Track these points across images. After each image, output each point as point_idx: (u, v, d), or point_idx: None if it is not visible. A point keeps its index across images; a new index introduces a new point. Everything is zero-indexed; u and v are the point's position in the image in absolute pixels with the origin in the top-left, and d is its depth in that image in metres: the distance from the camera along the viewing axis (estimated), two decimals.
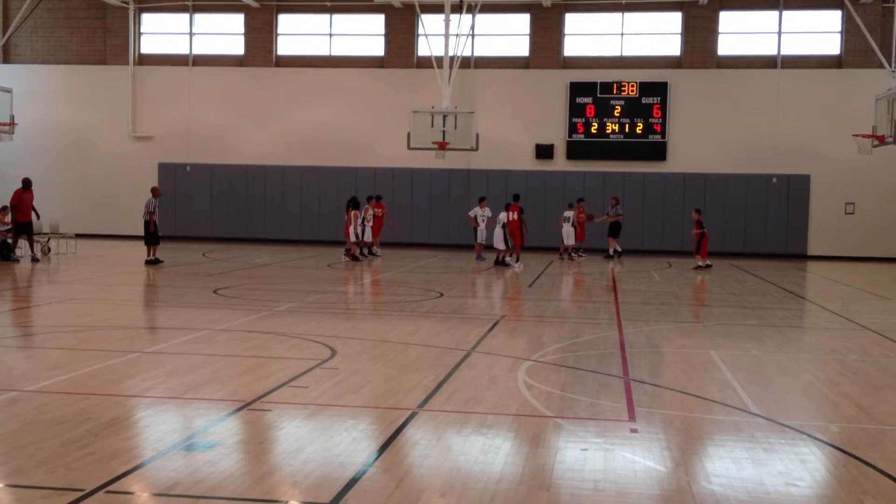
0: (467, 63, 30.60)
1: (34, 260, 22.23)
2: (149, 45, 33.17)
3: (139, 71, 32.80)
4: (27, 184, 22.55)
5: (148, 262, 21.37)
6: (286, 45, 32.59)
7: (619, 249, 27.24)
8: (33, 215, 22.39)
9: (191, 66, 32.70)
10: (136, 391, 8.00)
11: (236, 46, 32.65)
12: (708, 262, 24.03)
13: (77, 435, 6.38)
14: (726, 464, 6.15)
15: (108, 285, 17.71)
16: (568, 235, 26.17)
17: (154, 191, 22.28)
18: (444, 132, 27.82)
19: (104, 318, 12.84)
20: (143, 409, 7.39)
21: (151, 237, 21.77)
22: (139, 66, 32.87)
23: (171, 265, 22.60)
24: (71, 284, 17.95)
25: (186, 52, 32.83)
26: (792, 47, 30.32)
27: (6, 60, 32.91)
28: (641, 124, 30.40)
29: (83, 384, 8.16)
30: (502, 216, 23.30)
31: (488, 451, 6.27)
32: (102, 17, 32.83)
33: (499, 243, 23.09)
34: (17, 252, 22.33)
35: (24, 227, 22.15)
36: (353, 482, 5.52)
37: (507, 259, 23.29)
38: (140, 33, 33.11)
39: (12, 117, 27.07)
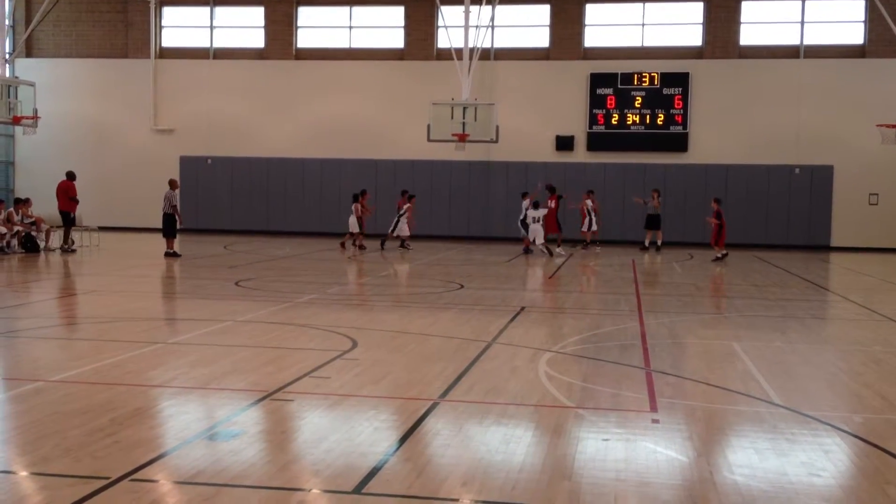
0: (487, 55, 30.55)
1: (71, 251, 22.49)
2: (170, 39, 33.33)
3: (160, 64, 32.96)
4: (71, 176, 22.97)
5: (169, 255, 21.45)
6: (306, 38, 32.65)
7: (658, 242, 26.91)
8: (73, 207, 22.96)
9: (211, 60, 32.84)
10: (160, 381, 8.07)
11: (256, 39, 32.74)
12: (725, 251, 23.86)
13: (102, 424, 6.44)
14: (749, 454, 6.13)
15: (131, 277, 17.84)
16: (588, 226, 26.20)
17: (172, 183, 22.38)
18: (463, 124, 27.81)
19: (127, 309, 12.94)
20: (167, 399, 7.44)
21: (173, 230, 21.88)
22: (160, 59, 33.03)
23: (192, 257, 22.74)
24: (94, 276, 18.10)
25: (207, 45, 32.97)
26: (815, 37, 30.05)
27: (29, 54, 33.16)
28: (663, 115, 30.25)
29: (107, 374, 8.23)
30: (537, 211, 23.45)
31: (510, 442, 6.28)
32: (124, 11, 33.02)
33: (540, 236, 23.43)
34: (67, 244, 22.78)
35: (70, 217, 22.85)
36: (374, 471, 5.54)
37: (549, 248, 23.94)
38: (161, 27, 33.27)
39: (35, 111, 27.29)
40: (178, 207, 22.04)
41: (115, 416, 6.70)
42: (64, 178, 23.21)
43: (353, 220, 25.03)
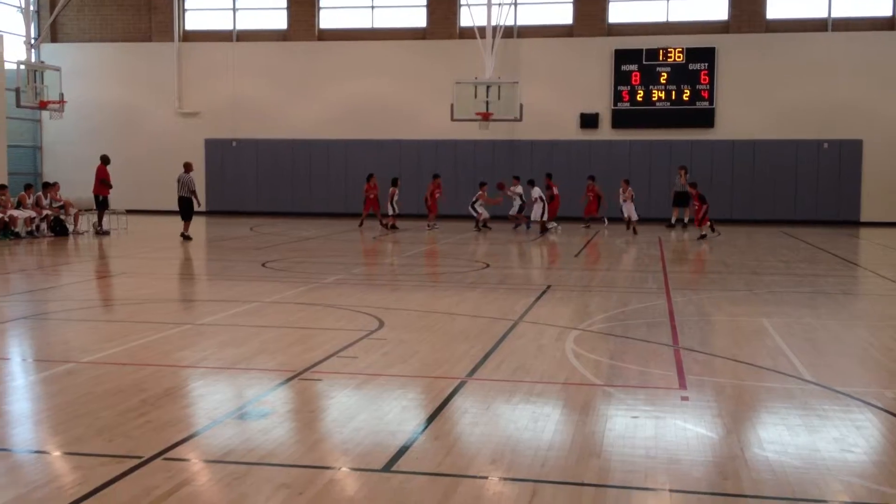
0: (510, 32, 30.36)
1: (104, 233, 22.72)
2: (193, 22, 33.39)
3: (184, 47, 33.04)
4: (104, 160, 23.20)
5: (186, 237, 21.41)
6: (328, 19, 32.59)
7: (685, 220, 26.63)
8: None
9: (235, 42, 32.87)
10: (190, 362, 8.13)
11: (279, 21, 32.73)
12: (709, 229, 23.11)
13: (133, 404, 6.51)
14: (780, 431, 6.09)
15: (159, 259, 17.97)
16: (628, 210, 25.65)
17: (187, 166, 22.37)
18: (487, 103, 27.70)
19: (156, 291, 13.04)
20: (197, 380, 7.50)
21: (190, 212, 21.91)
22: (184, 42, 33.11)
23: (219, 239, 22.89)
24: (123, 259, 18.25)
25: (230, 27, 33.00)
26: (843, 9, 29.59)
27: (54, 39, 33.35)
28: (688, 91, 29.96)
29: (138, 355, 8.31)
30: (537, 191, 24.17)
31: (538, 420, 6.28)
32: None
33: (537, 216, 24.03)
34: (101, 227, 23.08)
35: (105, 200, 23.15)
36: (403, 450, 5.56)
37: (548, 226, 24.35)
38: (184, 10, 33.33)
39: (61, 95, 27.58)
40: (196, 190, 22.06)
41: (147, 396, 6.76)
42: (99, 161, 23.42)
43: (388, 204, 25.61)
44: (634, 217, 25.26)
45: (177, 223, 24.21)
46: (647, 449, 5.62)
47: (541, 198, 24.07)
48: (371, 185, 25.84)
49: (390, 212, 25.80)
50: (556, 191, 25.47)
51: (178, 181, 22.08)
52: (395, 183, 26.22)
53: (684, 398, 6.89)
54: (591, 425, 6.15)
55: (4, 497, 4.69)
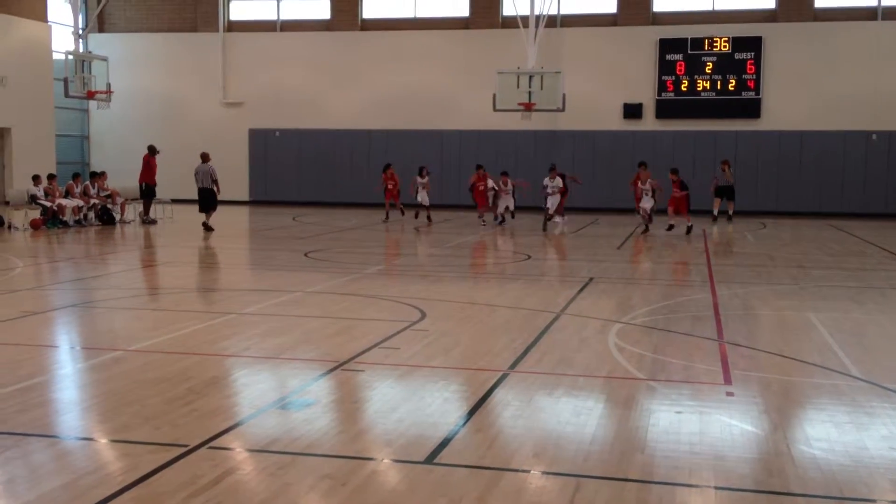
0: (553, 22, 30.14)
1: (151, 222, 23.04)
2: (238, 12, 33.62)
3: (229, 37, 33.29)
4: (153, 150, 23.51)
5: (208, 228, 20.94)
6: (371, 8, 32.62)
7: (730, 212, 26.03)
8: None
9: (278, 32, 33.05)
10: (234, 351, 8.21)
11: (322, 11, 32.83)
12: (690, 222, 21.43)
13: (179, 393, 6.59)
14: (827, 428, 6.00)
15: (204, 249, 18.17)
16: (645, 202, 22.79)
17: (205, 156, 21.85)
18: (529, 93, 27.56)
19: (201, 280, 13.19)
20: (241, 369, 7.58)
21: (213, 203, 21.48)
22: (229, 32, 33.36)
23: (262, 229, 23.07)
24: (168, 248, 18.48)
25: (274, 17, 33.17)
26: None
27: (101, 29, 33.77)
28: (734, 81, 29.53)
29: (183, 344, 8.42)
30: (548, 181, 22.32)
31: (580, 413, 6.25)
32: None
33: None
34: (149, 216, 23.42)
35: (151, 189, 23.43)
36: (445, 442, 5.57)
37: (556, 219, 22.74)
38: (229, 0, 33.57)
39: (108, 85, 27.94)
40: (217, 179, 21.56)
41: (192, 385, 6.84)
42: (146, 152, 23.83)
43: (423, 194, 23.99)
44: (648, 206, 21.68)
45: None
46: (691, 445, 5.57)
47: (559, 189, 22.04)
48: (388, 174, 24.54)
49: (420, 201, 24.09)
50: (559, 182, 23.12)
51: (196, 172, 21.59)
52: (420, 172, 24.39)
53: (729, 393, 6.81)
54: (634, 420, 6.11)
55: (54, 483, 4.78)
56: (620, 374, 7.46)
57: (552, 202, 21.90)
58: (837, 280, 13.85)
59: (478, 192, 24.05)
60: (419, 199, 24.06)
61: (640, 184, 21.48)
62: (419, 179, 24.12)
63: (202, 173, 21.53)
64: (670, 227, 21.23)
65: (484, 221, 23.56)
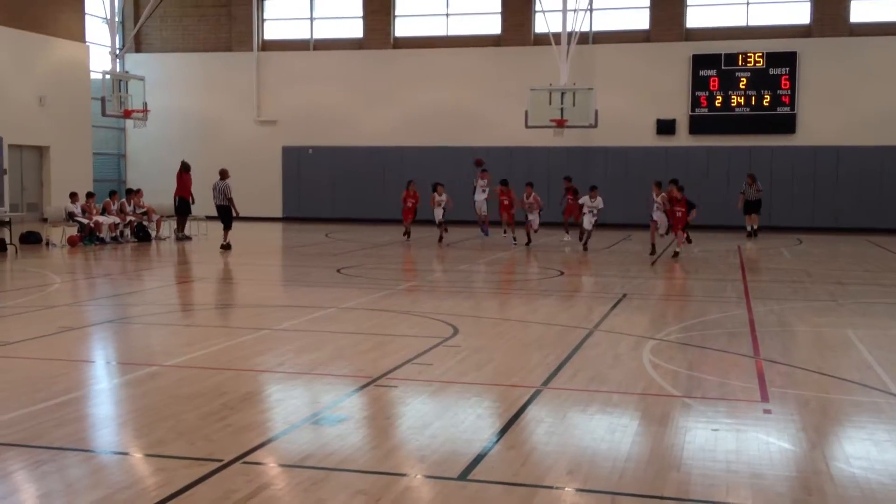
0: (585, 38, 30.13)
1: (185, 238, 23.26)
2: (272, 31, 33.98)
3: (263, 56, 33.64)
4: (186, 167, 23.76)
5: (225, 247, 20.56)
6: (403, 27, 32.83)
7: (754, 227, 25.63)
8: (191, 197, 23.73)
9: (312, 51, 33.34)
10: (268, 367, 8.25)
11: (355, 30, 33.08)
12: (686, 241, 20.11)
13: (214, 408, 6.63)
14: (867, 446, 5.89)
15: (238, 265, 18.30)
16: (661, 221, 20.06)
17: (224, 173, 21.53)
18: (562, 109, 27.55)
19: (235, 296, 13.28)
20: (275, 384, 7.60)
21: (230, 220, 21.13)
22: (263, 51, 33.71)
23: (295, 246, 23.20)
24: (203, 265, 18.64)
25: (307, 36, 33.48)
26: None
27: (138, 49, 34.27)
28: (769, 96, 29.31)
29: (218, 360, 8.47)
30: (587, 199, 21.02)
31: (615, 430, 6.19)
32: (227, 5, 33.79)
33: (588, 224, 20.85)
34: (184, 232, 23.61)
35: (182, 206, 23.60)
36: (479, 458, 5.54)
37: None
38: (263, 19, 33.94)
39: (145, 104, 28.33)
40: (233, 197, 21.17)
41: (226, 400, 6.87)
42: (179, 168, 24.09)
43: (438, 211, 23.17)
44: (662, 230, 19.94)
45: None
46: (728, 463, 5.49)
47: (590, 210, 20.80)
48: (410, 192, 23.50)
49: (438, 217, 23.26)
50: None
51: (214, 188, 21.30)
52: (434, 189, 23.52)
53: (766, 411, 6.72)
54: (669, 437, 6.04)
55: (90, 498, 4.81)
56: (655, 391, 7.39)
57: (588, 221, 20.65)
58: (876, 296, 13.65)
59: (503, 208, 23.11)
60: (436, 216, 23.30)
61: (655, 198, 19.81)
62: (437, 197, 23.28)
63: (218, 189, 21.29)
64: (676, 255, 19.17)
65: (515, 239, 22.46)
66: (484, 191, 24.82)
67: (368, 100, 32.56)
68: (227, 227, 21.08)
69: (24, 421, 6.24)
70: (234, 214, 21.21)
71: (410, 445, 5.89)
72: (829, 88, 28.96)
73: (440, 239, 23.02)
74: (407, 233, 23.64)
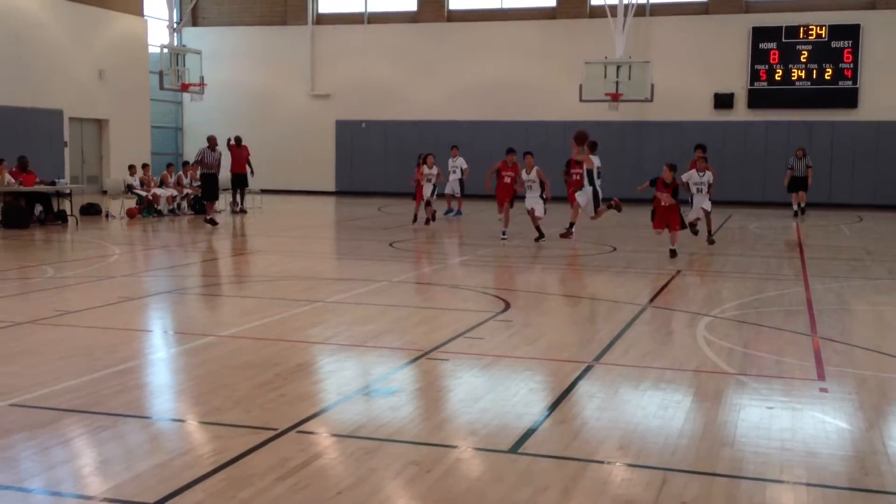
0: (642, 10, 29.68)
1: (241, 211, 23.55)
2: (326, 5, 34.04)
3: (317, 30, 33.74)
4: (238, 140, 24.06)
5: (209, 221, 19.45)
6: (458, 0, 32.64)
7: (801, 205, 24.02)
8: (247, 170, 23.89)
9: (366, 24, 33.34)
10: (320, 338, 8.34)
11: (409, 3, 32.98)
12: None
13: (268, 378, 6.72)
14: None
15: (293, 238, 18.48)
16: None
17: (212, 140, 20.35)
18: (617, 83, 27.26)
19: (289, 269, 13.42)
20: (327, 356, 7.69)
21: (215, 192, 20.18)
22: (317, 25, 33.80)
23: (348, 219, 23.35)
24: (258, 237, 18.86)
25: (362, 10, 33.48)
26: None
27: (195, 23, 34.59)
28: (831, 70, 28.62)
29: (272, 331, 8.58)
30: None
31: (667, 407, 6.15)
32: None
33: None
34: (234, 206, 23.88)
35: (236, 180, 23.83)
36: (530, 432, 5.55)
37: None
38: None
39: (202, 78, 28.67)
40: (215, 167, 20.04)
41: (280, 370, 6.97)
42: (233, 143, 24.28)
43: (428, 187, 20.15)
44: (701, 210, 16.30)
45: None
46: (782, 441, 5.43)
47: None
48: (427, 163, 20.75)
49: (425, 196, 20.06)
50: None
51: (206, 157, 20.01)
52: (424, 160, 20.73)
53: (823, 389, 6.62)
54: (723, 415, 5.98)
55: (149, 463, 4.93)
56: (709, 367, 7.32)
57: (699, 203, 16.22)
58: None
59: (501, 185, 17.97)
60: (424, 193, 20.01)
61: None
62: (426, 169, 20.26)
63: (214, 158, 20.07)
64: (712, 241, 16.41)
65: (504, 233, 17.38)
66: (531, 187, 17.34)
67: (422, 73, 32.50)
68: (212, 199, 20.08)
69: (85, 388, 6.41)
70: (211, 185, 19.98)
71: (461, 418, 5.92)
72: (894, 62, 28.15)
73: (415, 219, 19.99)
74: (423, 216, 20.28)
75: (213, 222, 19.48)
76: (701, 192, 16.10)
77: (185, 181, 23.54)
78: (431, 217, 20.28)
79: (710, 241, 16.36)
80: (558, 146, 29.21)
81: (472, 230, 20.34)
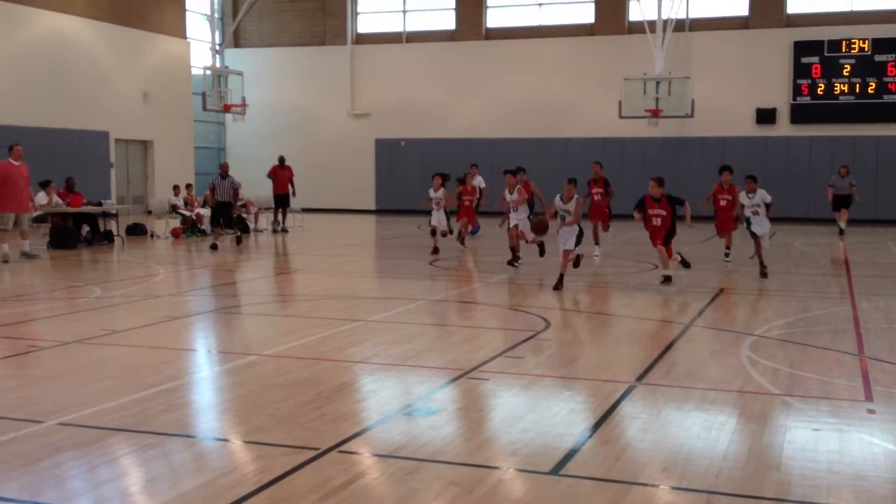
0: (681, 26, 29.55)
1: (283, 231, 23.75)
2: (365, 25, 34.35)
3: (356, 50, 34.03)
4: (282, 161, 24.31)
5: (213, 248, 19.09)
6: (495, 18, 32.76)
7: (843, 226, 23.49)
8: (290, 189, 24.17)
9: (404, 44, 33.56)
10: (361, 357, 8.37)
11: (447, 21, 33.17)
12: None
13: (310, 397, 6.76)
14: None
15: (333, 257, 18.60)
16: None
17: (224, 167, 20.28)
18: (657, 99, 27.10)
19: (330, 287, 13.51)
20: (369, 375, 7.71)
21: (226, 218, 19.82)
22: (356, 45, 34.10)
23: (388, 238, 23.44)
24: (299, 256, 19.01)
25: (400, 29, 33.72)
26: None
27: (237, 45, 35.08)
28: (875, 83, 28.23)
29: (313, 350, 8.63)
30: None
31: (711, 428, 6.08)
32: (322, 0, 34.30)
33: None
34: (276, 225, 24.08)
35: (279, 200, 24.11)
36: (572, 453, 5.52)
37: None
38: (357, 13, 34.33)
39: (244, 99, 29.01)
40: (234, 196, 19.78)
41: (322, 389, 7.01)
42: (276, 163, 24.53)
43: (440, 214, 18.64)
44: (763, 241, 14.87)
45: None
46: (829, 463, 5.34)
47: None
48: (468, 188, 20.20)
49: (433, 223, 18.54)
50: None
51: (217, 186, 19.67)
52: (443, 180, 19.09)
53: (870, 411, 6.51)
54: (768, 436, 5.90)
55: (193, 482, 4.98)
56: (754, 388, 7.23)
57: (758, 225, 14.80)
58: None
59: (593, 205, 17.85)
60: (433, 220, 18.39)
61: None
62: (432, 193, 18.62)
63: (225, 187, 19.69)
64: (666, 280, 13.66)
65: (518, 259, 15.88)
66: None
67: (460, 91, 32.62)
68: (228, 225, 19.91)
69: (131, 406, 6.49)
70: (233, 214, 20.01)
71: (502, 439, 5.90)
72: None
73: (434, 253, 17.65)
74: (463, 238, 19.48)
75: (214, 247, 19.09)
76: (758, 214, 14.62)
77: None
78: (460, 240, 19.15)
79: (763, 275, 14.41)
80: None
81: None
